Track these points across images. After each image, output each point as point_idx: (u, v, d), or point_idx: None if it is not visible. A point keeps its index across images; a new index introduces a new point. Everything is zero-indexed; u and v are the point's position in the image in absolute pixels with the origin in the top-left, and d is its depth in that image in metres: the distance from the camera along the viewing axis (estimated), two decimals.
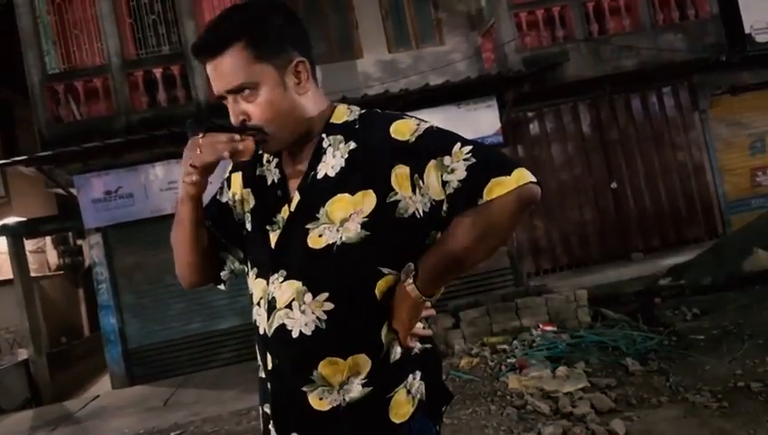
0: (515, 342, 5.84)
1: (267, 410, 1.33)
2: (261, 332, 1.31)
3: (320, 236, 1.24)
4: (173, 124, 7.39)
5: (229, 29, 1.23)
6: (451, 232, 1.19)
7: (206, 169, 1.23)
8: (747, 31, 9.34)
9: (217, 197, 1.46)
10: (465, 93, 8.54)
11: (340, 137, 1.28)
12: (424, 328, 1.29)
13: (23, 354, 9.33)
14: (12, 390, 8.65)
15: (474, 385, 5.06)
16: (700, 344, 5.25)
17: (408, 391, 1.26)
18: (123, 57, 8.37)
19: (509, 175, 1.14)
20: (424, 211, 1.21)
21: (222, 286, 1.50)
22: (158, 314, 8.39)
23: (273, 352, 1.29)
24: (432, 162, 1.19)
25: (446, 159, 1.18)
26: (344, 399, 1.24)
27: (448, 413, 4.30)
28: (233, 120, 1.26)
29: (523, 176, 1.15)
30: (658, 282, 7.58)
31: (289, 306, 1.25)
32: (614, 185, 9.50)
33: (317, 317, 1.24)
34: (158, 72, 8.33)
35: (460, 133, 1.24)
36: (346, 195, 1.23)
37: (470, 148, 1.18)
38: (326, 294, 1.23)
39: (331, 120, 1.31)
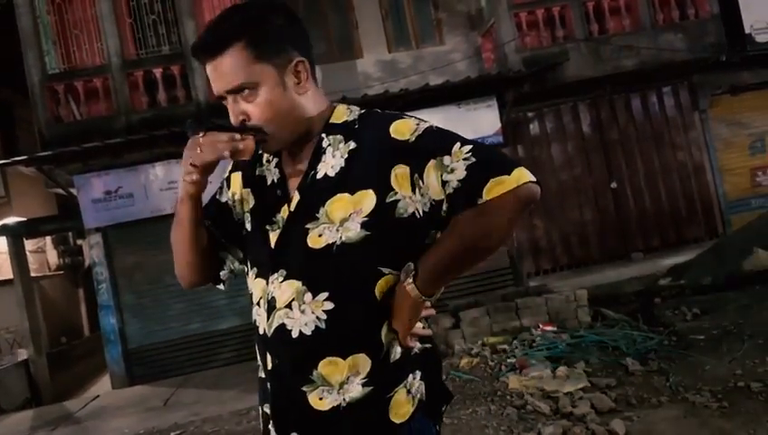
0: (515, 342, 5.84)
1: (267, 410, 1.33)
2: (261, 332, 1.31)
3: (319, 235, 1.24)
4: (173, 124, 7.39)
5: (229, 29, 1.23)
6: (451, 231, 1.19)
7: (207, 169, 1.23)
8: (747, 31, 9.33)
9: (217, 196, 1.46)
10: (465, 93, 8.53)
11: (339, 137, 1.28)
12: (424, 328, 1.29)
13: (23, 354, 9.33)
14: (12, 390, 8.65)
15: (474, 385, 5.06)
16: (700, 344, 5.25)
17: (408, 391, 1.26)
18: (123, 57, 8.37)
19: (509, 174, 1.14)
20: (424, 211, 1.21)
21: (221, 286, 1.50)
22: (158, 314, 8.39)
23: (272, 352, 1.29)
24: (432, 162, 1.19)
25: (446, 159, 1.18)
26: (344, 399, 1.23)
27: (448, 413, 4.30)
28: (233, 120, 1.26)
29: (522, 175, 1.15)
30: (658, 282, 7.58)
31: (289, 306, 1.26)
32: (614, 185, 9.50)
33: (317, 317, 1.24)
34: (158, 72, 8.33)
35: (460, 133, 1.24)
36: (346, 195, 1.23)
37: (470, 147, 1.18)
38: (326, 294, 1.24)
39: (330, 120, 1.31)
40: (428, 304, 1.25)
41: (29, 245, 10.06)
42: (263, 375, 1.35)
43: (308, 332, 1.24)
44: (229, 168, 1.46)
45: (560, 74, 8.77)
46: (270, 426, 1.32)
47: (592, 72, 8.88)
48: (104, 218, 8.22)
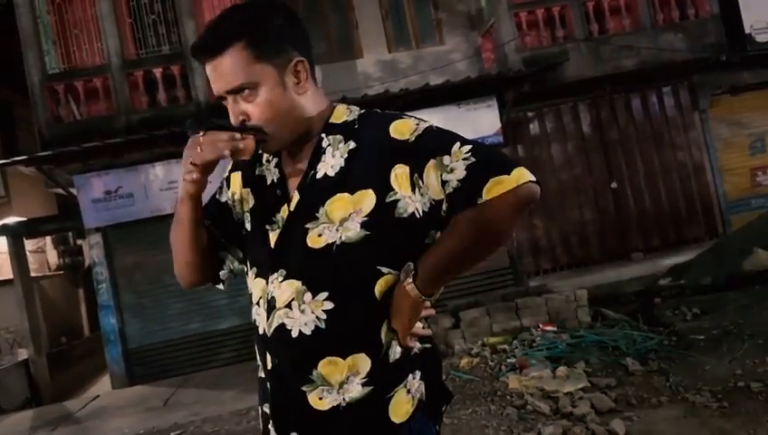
0: (515, 342, 5.84)
1: (267, 409, 1.33)
2: (260, 331, 1.31)
3: (319, 235, 1.24)
4: (173, 124, 7.39)
5: (229, 29, 1.23)
6: (450, 231, 1.19)
7: (207, 168, 1.23)
8: (747, 31, 9.33)
9: (217, 196, 1.46)
10: (465, 93, 8.53)
11: (339, 136, 1.28)
12: (423, 328, 1.29)
13: (23, 354, 9.33)
14: (12, 390, 8.65)
15: (474, 385, 5.06)
16: (700, 344, 5.25)
17: (408, 391, 1.26)
18: (123, 57, 8.37)
19: (508, 174, 1.14)
20: (423, 211, 1.21)
21: (221, 286, 1.50)
22: (158, 313, 8.39)
23: (272, 352, 1.29)
24: (431, 162, 1.19)
25: (446, 159, 1.18)
26: (344, 398, 1.24)
27: (448, 413, 4.30)
28: (233, 120, 1.26)
29: (522, 175, 1.15)
30: (658, 282, 7.58)
31: (288, 306, 1.26)
32: (614, 185, 9.50)
33: (316, 317, 1.24)
34: (158, 72, 8.33)
35: (460, 133, 1.24)
36: (345, 194, 1.23)
37: (469, 147, 1.18)
38: (326, 294, 1.24)
39: (330, 120, 1.31)
40: (428, 303, 1.25)
41: (29, 245, 10.06)
42: (262, 375, 1.35)
43: (308, 331, 1.24)
44: (229, 167, 1.46)
45: (560, 74, 8.77)
46: (270, 426, 1.32)
47: (592, 72, 8.88)
48: (104, 218, 8.22)
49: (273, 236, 1.30)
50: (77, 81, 8.30)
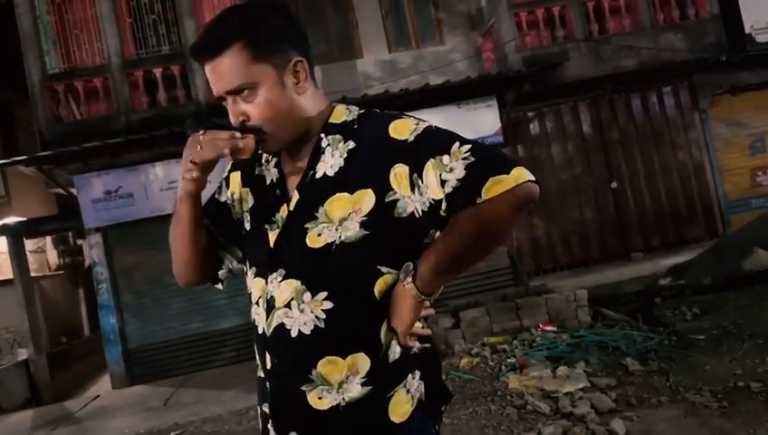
0: (515, 342, 5.84)
1: (266, 409, 1.33)
2: (260, 331, 1.31)
3: (319, 235, 1.24)
4: (173, 124, 7.39)
5: (228, 30, 1.23)
6: (450, 231, 1.19)
7: (206, 167, 1.24)
8: (747, 31, 9.33)
9: (216, 196, 1.46)
10: (465, 93, 8.53)
11: (338, 136, 1.28)
12: (423, 328, 1.29)
13: (23, 354, 9.33)
14: (12, 390, 8.65)
15: (474, 385, 5.06)
16: (700, 344, 5.25)
17: (408, 391, 1.26)
18: (123, 57, 8.37)
19: (508, 174, 1.14)
20: (423, 210, 1.21)
21: (219, 286, 1.50)
22: (158, 313, 8.39)
23: (272, 352, 1.29)
24: (431, 161, 1.18)
25: (445, 158, 1.17)
26: (343, 398, 1.23)
27: (448, 413, 4.30)
28: (232, 120, 1.26)
29: (521, 175, 1.15)
30: (658, 282, 7.58)
31: (288, 305, 1.26)
32: (614, 185, 9.50)
33: (316, 316, 1.24)
34: (158, 71, 8.33)
35: (460, 133, 1.24)
36: (345, 194, 1.23)
37: (469, 147, 1.18)
38: (325, 293, 1.24)
39: (329, 120, 1.31)
40: (428, 303, 1.25)
41: (29, 245, 10.05)
42: (262, 375, 1.35)
43: (307, 331, 1.24)
44: (228, 167, 1.46)
45: (560, 74, 8.77)
46: (269, 425, 1.32)
47: (592, 71, 8.88)
48: (104, 218, 8.22)
49: (272, 236, 1.30)
50: (77, 81, 8.30)
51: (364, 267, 1.23)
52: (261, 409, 1.36)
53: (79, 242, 12.42)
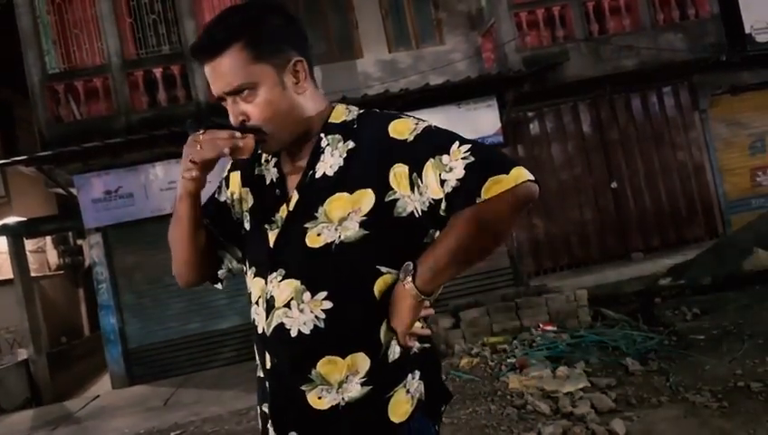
0: (515, 342, 5.84)
1: (266, 409, 1.33)
2: (259, 331, 1.31)
3: (318, 235, 1.24)
4: (173, 124, 7.39)
5: (227, 30, 1.23)
6: (450, 230, 1.19)
7: (206, 166, 1.24)
8: (747, 31, 9.33)
9: (215, 196, 1.47)
10: (465, 93, 8.53)
11: (338, 136, 1.28)
12: (422, 327, 1.29)
13: (23, 354, 9.33)
14: (12, 390, 8.65)
15: (474, 385, 5.06)
16: (700, 344, 5.25)
17: (408, 391, 1.26)
18: (123, 57, 8.37)
19: (507, 173, 1.14)
20: (422, 210, 1.21)
21: (219, 286, 1.50)
22: (158, 313, 8.39)
23: (271, 352, 1.29)
24: (430, 161, 1.18)
25: (445, 158, 1.17)
26: (343, 398, 1.23)
27: (448, 413, 4.30)
28: (232, 120, 1.26)
29: (521, 174, 1.15)
30: (658, 282, 7.58)
31: (287, 305, 1.26)
32: (614, 185, 9.50)
33: (315, 316, 1.24)
34: (158, 71, 8.33)
35: (460, 133, 1.24)
36: (344, 194, 1.23)
37: (468, 147, 1.18)
38: (325, 293, 1.24)
39: (329, 120, 1.31)
40: (427, 303, 1.25)
41: (29, 245, 10.06)
42: (261, 374, 1.35)
43: (307, 331, 1.24)
44: (228, 167, 1.46)
45: (560, 74, 8.77)
46: (268, 425, 1.32)
47: (592, 71, 8.88)
48: (104, 218, 8.22)
49: (272, 236, 1.30)
50: (77, 81, 8.30)
51: (364, 267, 1.23)
52: (260, 409, 1.36)
53: (79, 242, 12.42)
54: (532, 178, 1.16)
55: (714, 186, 9.73)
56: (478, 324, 6.25)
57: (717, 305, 6.23)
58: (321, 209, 1.24)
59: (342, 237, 1.22)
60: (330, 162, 1.27)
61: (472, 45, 9.79)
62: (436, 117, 6.47)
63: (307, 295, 1.24)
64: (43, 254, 11.99)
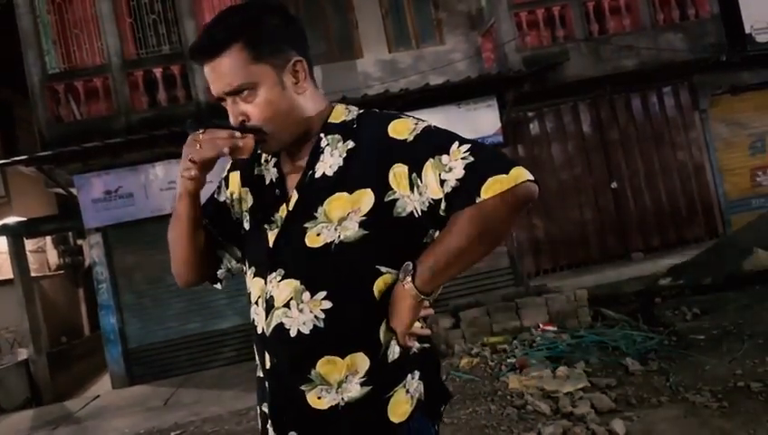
0: (515, 342, 5.84)
1: (265, 409, 1.33)
2: (259, 331, 1.31)
3: (318, 235, 1.24)
4: (173, 124, 7.39)
5: (227, 31, 1.23)
6: (449, 230, 1.19)
7: (205, 165, 1.24)
8: (747, 31, 9.34)
9: (215, 196, 1.47)
10: (465, 93, 8.53)
11: (338, 136, 1.28)
12: (422, 327, 1.29)
13: (23, 354, 9.33)
14: (12, 389, 8.65)
15: (474, 385, 5.06)
16: (700, 344, 5.25)
17: (407, 391, 1.26)
18: (123, 57, 8.37)
19: (507, 173, 1.14)
20: (422, 210, 1.21)
21: (218, 286, 1.50)
22: (158, 313, 8.39)
23: (271, 351, 1.29)
24: (430, 161, 1.18)
25: (444, 158, 1.17)
26: (343, 398, 1.23)
27: (448, 413, 4.30)
28: (232, 121, 1.26)
29: (520, 174, 1.15)
30: (658, 282, 7.58)
31: (287, 305, 1.26)
32: (614, 185, 9.50)
33: (315, 316, 1.24)
34: (158, 71, 8.33)
35: (460, 133, 1.24)
36: (344, 194, 1.23)
37: (468, 147, 1.18)
38: (324, 293, 1.24)
39: (329, 120, 1.31)
40: (427, 303, 1.25)
41: (29, 245, 10.05)
42: (261, 374, 1.35)
43: (306, 331, 1.24)
44: (227, 167, 1.46)
45: (560, 74, 8.77)
46: (268, 425, 1.32)
47: (592, 71, 8.88)
48: (104, 218, 8.22)
49: (271, 236, 1.30)
50: (77, 80, 8.30)
51: (363, 267, 1.23)
52: (260, 409, 1.36)
53: (79, 242, 12.42)
54: (531, 178, 1.15)
55: (714, 186, 9.74)
56: (478, 324, 6.25)
57: (717, 305, 6.23)
58: (320, 209, 1.24)
59: (342, 237, 1.22)
60: (329, 162, 1.27)
61: (472, 45, 9.79)
62: (436, 117, 6.48)
63: (306, 295, 1.24)
64: (43, 254, 11.99)
